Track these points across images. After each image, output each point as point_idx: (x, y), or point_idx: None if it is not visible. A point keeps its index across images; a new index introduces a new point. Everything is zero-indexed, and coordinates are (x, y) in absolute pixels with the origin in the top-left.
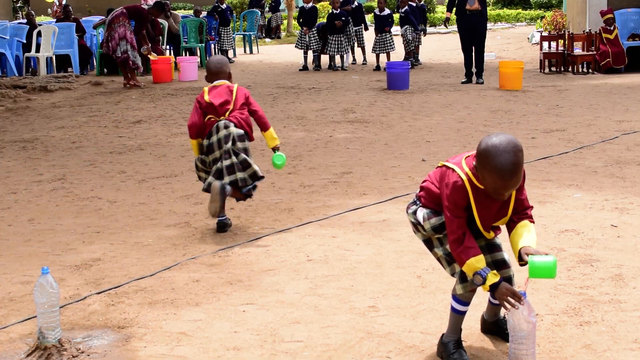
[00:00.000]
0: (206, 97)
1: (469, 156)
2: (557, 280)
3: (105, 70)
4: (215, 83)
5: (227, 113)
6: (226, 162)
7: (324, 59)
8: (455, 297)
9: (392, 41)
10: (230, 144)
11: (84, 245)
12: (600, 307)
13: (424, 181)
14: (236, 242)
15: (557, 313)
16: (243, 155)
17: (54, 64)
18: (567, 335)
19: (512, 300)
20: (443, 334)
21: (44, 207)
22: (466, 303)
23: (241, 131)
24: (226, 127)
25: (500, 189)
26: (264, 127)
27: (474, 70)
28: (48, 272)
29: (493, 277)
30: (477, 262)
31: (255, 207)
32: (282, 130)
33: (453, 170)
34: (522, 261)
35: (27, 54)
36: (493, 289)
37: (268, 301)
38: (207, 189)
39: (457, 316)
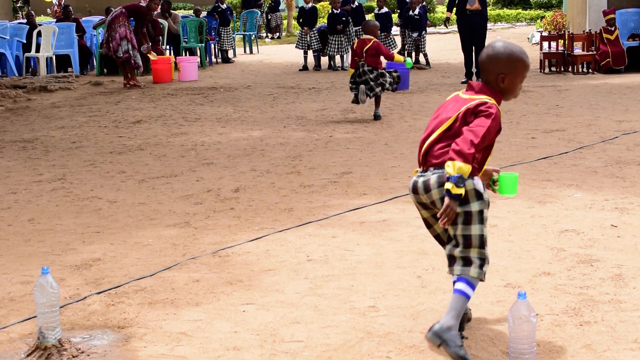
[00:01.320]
0: (354, 46)
1: (476, 95)
2: (557, 280)
3: (105, 70)
4: (362, 37)
5: (364, 58)
6: (365, 84)
7: (324, 59)
8: (469, 283)
9: (394, 41)
10: (366, 75)
11: (84, 245)
12: (600, 307)
13: (436, 138)
14: (236, 242)
15: (557, 313)
16: (372, 77)
17: (54, 64)
18: (567, 335)
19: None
20: (439, 324)
21: (44, 207)
22: (475, 287)
23: (371, 67)
24: (362, 65)
25: (526, 76)
26: (390, 59)
27: (474, 70)
28: (48, 272)
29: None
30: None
31: (255, 207)
32: (282, 130)
33: (486, 102)
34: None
35: (27, 54)
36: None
37: (268, 301)
38: (355, 96)
39: (467, 301)
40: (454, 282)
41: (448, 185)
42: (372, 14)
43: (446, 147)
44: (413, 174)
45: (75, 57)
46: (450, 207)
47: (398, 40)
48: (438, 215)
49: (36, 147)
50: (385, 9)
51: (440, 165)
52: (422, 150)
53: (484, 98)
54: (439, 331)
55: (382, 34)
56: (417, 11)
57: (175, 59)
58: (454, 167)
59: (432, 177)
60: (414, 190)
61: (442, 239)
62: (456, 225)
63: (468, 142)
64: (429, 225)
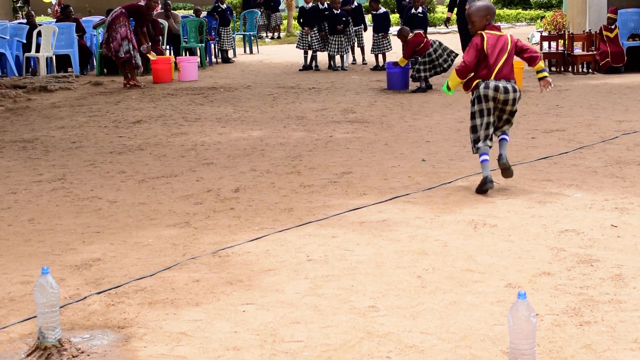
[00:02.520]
0: (419, 38)
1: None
2: (557, 280)
3: (105, 70)
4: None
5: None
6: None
7: (323, 59)
8: (508, 134)
9: (389, 42)
10: (440, 49)
11: (84, 245)
12: (600, 307)
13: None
14: (236, 242)
15: (557, 313)
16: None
17: (54, 64)
18: (567, 335)
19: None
20: (503, 156)
21: (44, 207)
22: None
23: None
24: (439, 43)
25: None
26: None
27: None
28: (48, 272)
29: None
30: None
31: (255, 207)
32: (282, 130)
33: (511, 35)
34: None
35: (27, 54)
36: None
37: (268, 301)
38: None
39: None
40: (501, 137)
41: (545, 73)
42: (370, 14)
43: (511, 68)
44: (477, 82)
45: (75, 57)
46: (549, 81)
47: (396, 40)
48: (543, 89)
49: (36, 147)
50: (382, 9)
51: (511, 79)
52: (496, 69)
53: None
54: (507, 160)
55: (380, 34)
56: (420, 10)
57: (175, 59)
58: (543, 63)
59: (509, 86)
60: (496, 89)
61: (491, 125)
62: (514, 106)
63: (538, 52)
64: (487, 114)
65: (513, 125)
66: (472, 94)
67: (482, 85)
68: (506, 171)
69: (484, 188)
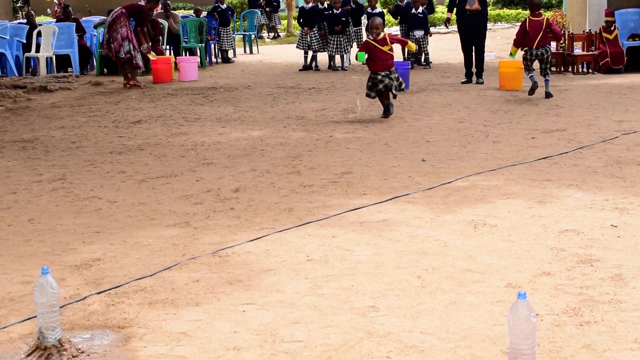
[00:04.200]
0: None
1: (541, 16)
2: (557, 280)
3: (105, 70)
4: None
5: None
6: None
7: (324, 59)
8: (549, 79)
9: None
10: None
11: (84, 245)
12: (600, 307)
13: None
14: (236, 242)
15: (557, 313)
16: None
17: (54, 64)
18: (567, 335)
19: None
20: (547, 90)
21: (44, 207)
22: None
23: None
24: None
25: None
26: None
27: (474, 70)
28: (48, 272)
29: None
30: None
31: (255, 207)
32: (282, 130)
33: (547, 17)
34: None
35: (27, 54)
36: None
37: (268, 301)
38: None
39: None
40: (545, 79)
41: (562, 44)
42: (364, 14)
43: (546, 39)
44: (521, 50)
45: (75, 57)
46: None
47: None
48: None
49: (36, 147)
50: (378, 9)
51: (546, 45)
52: (536, 41)
53: (543, 17)
54: (550, 91)
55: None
56: (420, 10)
57: (175, 59)
58: (559, 34)
59: (544, 50)
60: (535, 54)
61: (531, 66)
62: (548, 59)
63: (560, 31)
64: (529, 64)
65: (549, 70)
66: (524, 53)
67: (527, 52)
68: (548, 96)
69: (533, 87)
